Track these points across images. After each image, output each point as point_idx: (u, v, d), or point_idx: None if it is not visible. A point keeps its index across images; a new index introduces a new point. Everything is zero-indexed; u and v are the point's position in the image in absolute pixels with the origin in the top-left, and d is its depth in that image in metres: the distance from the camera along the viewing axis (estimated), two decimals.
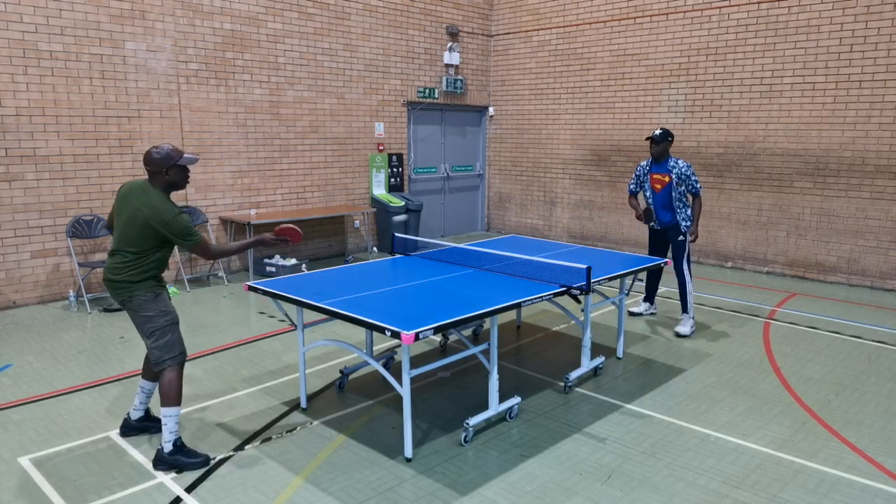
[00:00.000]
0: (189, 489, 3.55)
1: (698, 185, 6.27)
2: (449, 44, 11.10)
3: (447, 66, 11.13)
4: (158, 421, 4.13)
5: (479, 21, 11.60)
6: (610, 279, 4.93)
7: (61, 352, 5.73)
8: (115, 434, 4.19)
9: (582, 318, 5.04)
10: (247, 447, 4.02)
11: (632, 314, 6.85)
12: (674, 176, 6.25)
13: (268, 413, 4.50)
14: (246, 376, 5.15)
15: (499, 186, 12.21)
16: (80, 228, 7.25)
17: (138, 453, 3.94)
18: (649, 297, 6.90)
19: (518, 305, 4.11)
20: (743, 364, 5.50)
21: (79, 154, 7.28)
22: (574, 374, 4.93)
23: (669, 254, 6.48)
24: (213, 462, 3.83)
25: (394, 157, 10.56)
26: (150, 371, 4.02)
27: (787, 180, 8.71)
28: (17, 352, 5.73)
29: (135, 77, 7.59)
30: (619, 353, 5.63)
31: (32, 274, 7.11)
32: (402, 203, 10.03)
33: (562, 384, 4.96)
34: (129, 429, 4.16)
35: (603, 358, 5.28)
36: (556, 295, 4.36)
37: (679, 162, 6.30)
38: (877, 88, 7.87)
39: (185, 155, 3.78)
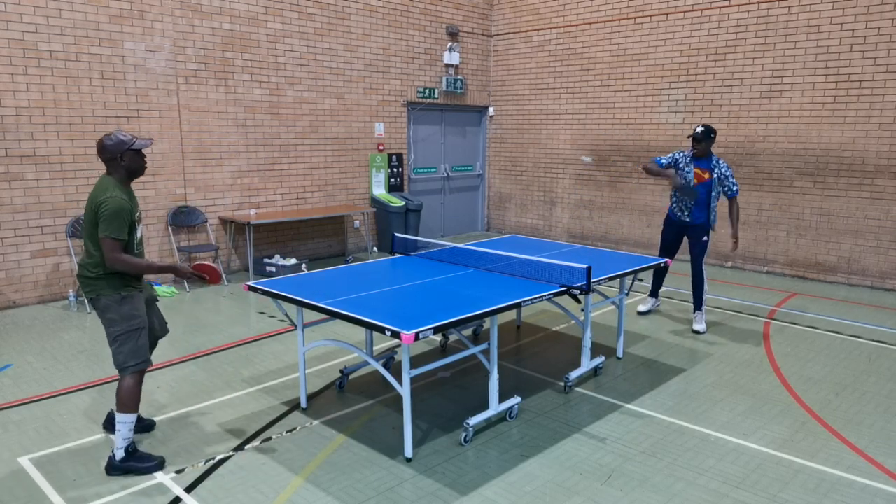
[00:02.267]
0: (189, 489, 3.55)
1: (736, 188, 6.15)
2: (449, 44, 11.10)
3: (447, 66, 11.13)
4: (147, 422, 4.18)
5: (479, 21, 11.60)
6: (610, 279, 4.93)
7: (61, 352, 5.73)
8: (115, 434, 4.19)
9: (582, 318, 5.04)
10: (247, 447, 4.02)
11: (640, 314, 6.89)
12: (714, 175, 6.15)
13: (268, 413, 4.50)
14: (246, 376, 5.15)
15: (499, 186, 12.21)
16: (80, 228, 7.25)
17: None
18: (654, 292, 6.98)
19: (518, 305, 4.11)
20: (743, 364, 5.49)
21: (78, 154, 7.28)
22: (574, 374, 4.93)
23: (676, 252, 6.48)
24: (213, 461, 3.83)
25: (394, 157, 10.56)
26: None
27: (787, 180, 8.70)
28: (17, 352, 5.73)
29: (134, 77, 7.59)
30: (619, 353, 5.63)
31: (32, 274, 7.11)
32: (402, 203, 10.03)
33: (562, 384, 4.95)
34: (111, 423, 4.11)
35: (603, 358, 5.28)
36: (556, 295, 4.36)
37: (720, 162, 6.17)
38: (877, 88, 7.87)
39: (139, 140, 3.68)
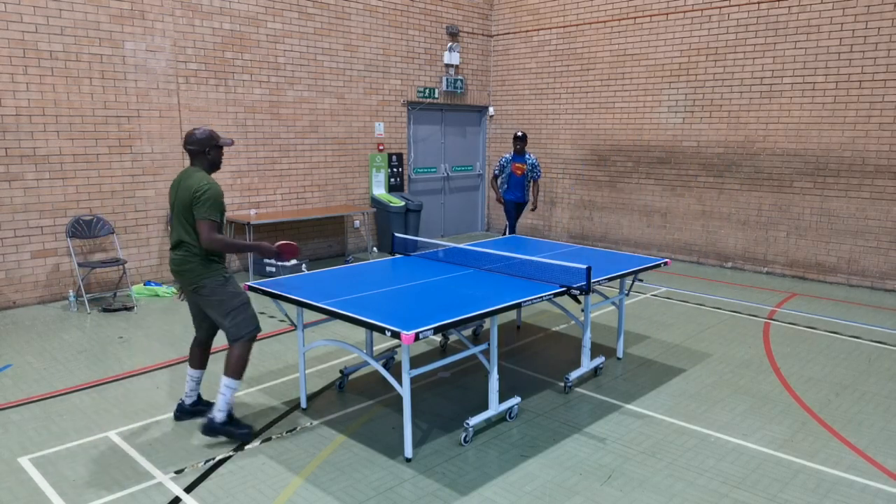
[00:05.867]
0: (189, 489, 3.55)
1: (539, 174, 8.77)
2: (449, 44, 11.09)
3: (447, 66, 11.13)
4: (210, 404, 4.25)
5: (479, 21, 11.60)
6: (610, 279, 4.93)
7: (61, 352, 5.73)
8: (114, 434, 4.19)
9: (582, 319, 5.04)
10: (247, 447, 4.02)
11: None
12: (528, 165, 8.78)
13: (268, 413, 4.50)
14: (246, 376, 5.14)
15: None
16: (80, 228, 7.25)
17: (137, 453, 3.94)
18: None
19: (518, 306, 4.11)
20: (743, 364, 5.50)
21: (78, 154, 7.28)
22: (574, 375, 4.93)
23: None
24: (213, 461, 3.83)
25: (394, 157, 10.56)
26: (198, 360, 4.23)
27: (787, 180, 8.70)
28: (17, 352, 5.73)
29: (134, 77, 7.59)
30: (619, 354, 5.63)
31: (32, 274, 7.11)
32: (402, 203, 10.03)
33: (562, 384, 4.95)
34: (183, 413, 4.31)
35: (603, 358, 5.28)
36: (556, 295, 4.36)
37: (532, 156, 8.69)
38: (877, 88, 7.87)
39: (223, 138, 4.03)
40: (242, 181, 8.73)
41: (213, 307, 3.95)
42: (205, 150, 3.96)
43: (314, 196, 9.52)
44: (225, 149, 8.44)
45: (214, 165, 4.03)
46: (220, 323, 3.97)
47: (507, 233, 9.01)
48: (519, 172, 8.72)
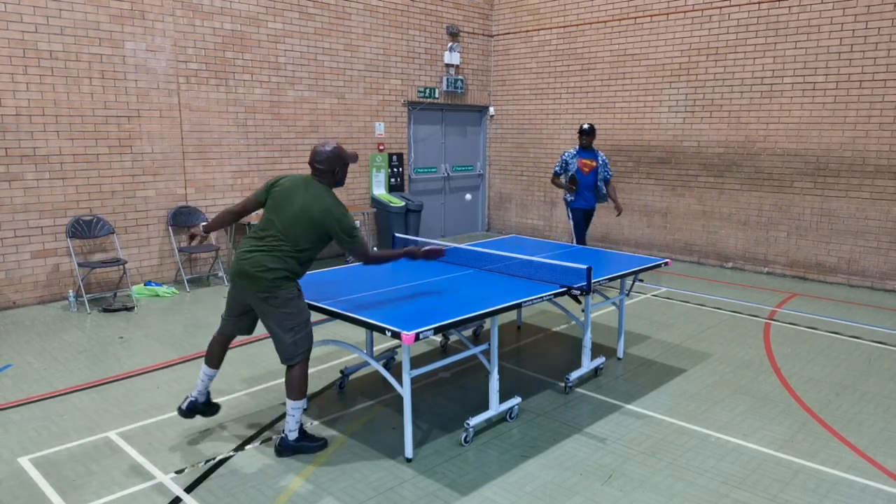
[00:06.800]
0: (189, 489, 3.55)
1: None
2: (449, 44, 11.09)
3: (447, 65, 11.13)
4: (216, 406, 4.22)
5: (479, 21, 11.60)
6: (610, 279, 4.93)
7: (61, 352, 5.73)
8: (114, 434, 4.19)
9: (582, 319, 5.04)
10: (247, 447, 4.02)
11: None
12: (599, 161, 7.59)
13: (268, 413, 4.50)
14: (246, 376, 5.15)
15: (499, 186, 12.20)
16: (80, 228, 7.25)
17: (137, 453, 3.94)
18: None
19: (518, 306, 4.11)
20: (743, 364, 5.49)
21: (78, 154, 7.28)
22: (574, 375, 4.93)
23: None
24: (213, 461, 3.83)
25: (394, 157, 10.56)
26: (217, 357, 4.08)
27: (787, 180, 8.70)
28: (17, 352, 5.73)
29: (134, 77, 7.59)
30: (620, 354, 5.62)
31: (32, 274, 7.11)
32: (403, 203, 10.03)
33: (562, 384, 4.95)
34: (193, 411, 4.13)
35: (603, 358, 5.28)
36: (556, 295, 4.36)
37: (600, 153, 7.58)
38: (877, 88, 7.87)
39: (349, 154, 3.96)
40: (243, 181, 8.72)
41: (277, 319, 3.75)
42: (334, 170, 3.90)
43: None
44: (225, 149, 8.52)
45: (341, 183, 4.00)
46: (280, 337, 3.76)
47: (573, 242, 7.70)
48: (587, 169, 7.53)
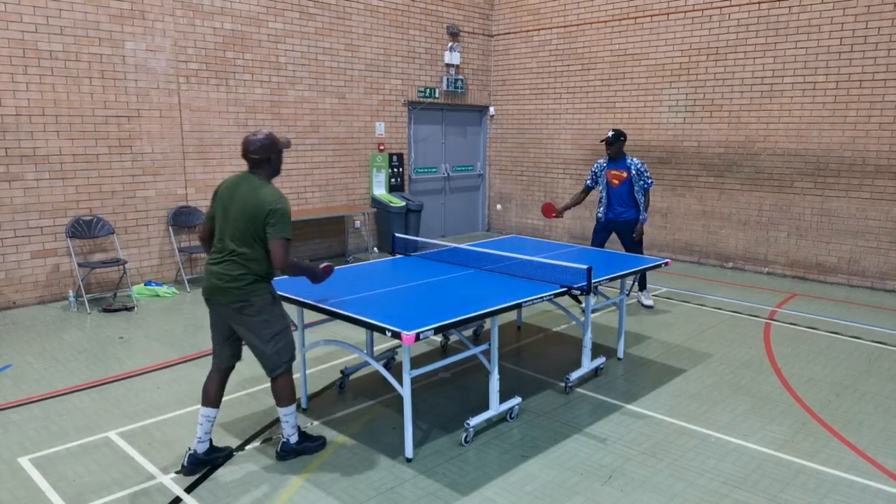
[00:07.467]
0: (189, 489, 3.55)
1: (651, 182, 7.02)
2: (450, 44, 11.09)
3: (448, 65, 11.13)
4: (224, 451, 3.88)
5: (479, 21, 11.60)
6: (611, 280, 4.93)
7: (61, 352, 5.73)
8: (114, 434, 4.19)
9: (582, 319, 5.04)
10: (247, 447, 4.02)
11: (646, 306, 7.21)
12: (632, 172, 6.91)
13: (268, 413, 4.50)
14: (246, 376, 5.15)
15: (499, 186, 12.20)
16: (80, 228, 7.25)
17: (137, 453, 3.94)
18: (642, 284, 7.35)
19: (518, 306, 4.10)
20: (743, 364, 5.49)
21: (78, 154, 7.28)
22: (575, 375, 4.93)
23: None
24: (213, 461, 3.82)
25: (394, 157, 10.55)
26: (214, 396, 3.77)
27: (787, 180, 8.70)
28: (17, 352, 5.73)
29: (134, 77, 7.59)
30: (620, 354, 5.62)
31: (32, 274, 7.11)
32: (403, 203, 10.03)
33: (562, 384, 4.95)
34: (197, 464, 3.72)
35: (604, 358, 5.28)
36: (556, 295, 4.36)
37: (634, 160, 6.95)
38: (877, 88, 7.87)
39: (282, 140, 3.75)
40: None
41: (254, 329, 3.61)
42: (269, 158, 3.64)
43: (315, 196, 9.52)
44: (226, 149, 8.51)
45: (277, 172, 3.74)
46: (260, 349, 3.63)
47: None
48: (616, 182, 6.89)
